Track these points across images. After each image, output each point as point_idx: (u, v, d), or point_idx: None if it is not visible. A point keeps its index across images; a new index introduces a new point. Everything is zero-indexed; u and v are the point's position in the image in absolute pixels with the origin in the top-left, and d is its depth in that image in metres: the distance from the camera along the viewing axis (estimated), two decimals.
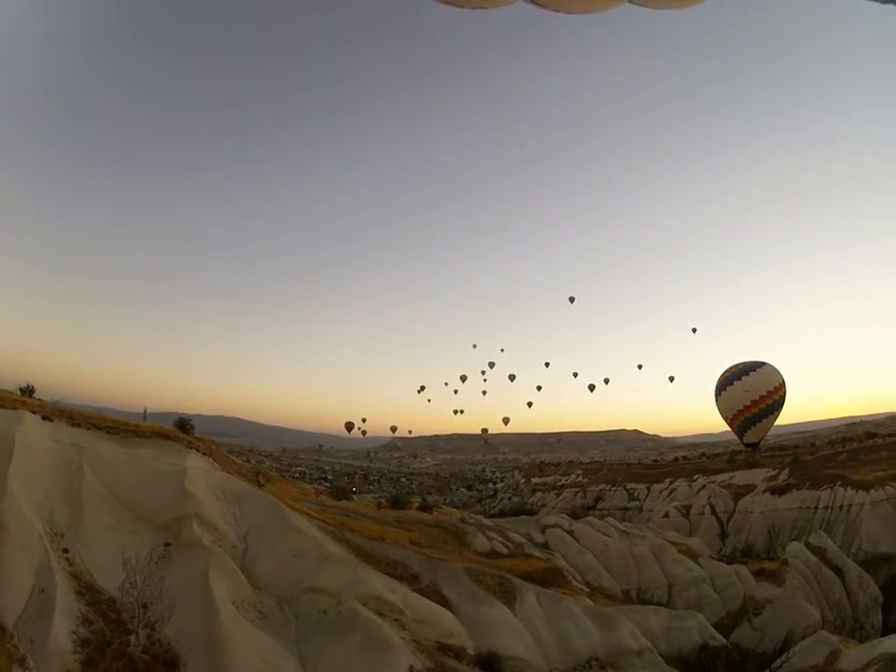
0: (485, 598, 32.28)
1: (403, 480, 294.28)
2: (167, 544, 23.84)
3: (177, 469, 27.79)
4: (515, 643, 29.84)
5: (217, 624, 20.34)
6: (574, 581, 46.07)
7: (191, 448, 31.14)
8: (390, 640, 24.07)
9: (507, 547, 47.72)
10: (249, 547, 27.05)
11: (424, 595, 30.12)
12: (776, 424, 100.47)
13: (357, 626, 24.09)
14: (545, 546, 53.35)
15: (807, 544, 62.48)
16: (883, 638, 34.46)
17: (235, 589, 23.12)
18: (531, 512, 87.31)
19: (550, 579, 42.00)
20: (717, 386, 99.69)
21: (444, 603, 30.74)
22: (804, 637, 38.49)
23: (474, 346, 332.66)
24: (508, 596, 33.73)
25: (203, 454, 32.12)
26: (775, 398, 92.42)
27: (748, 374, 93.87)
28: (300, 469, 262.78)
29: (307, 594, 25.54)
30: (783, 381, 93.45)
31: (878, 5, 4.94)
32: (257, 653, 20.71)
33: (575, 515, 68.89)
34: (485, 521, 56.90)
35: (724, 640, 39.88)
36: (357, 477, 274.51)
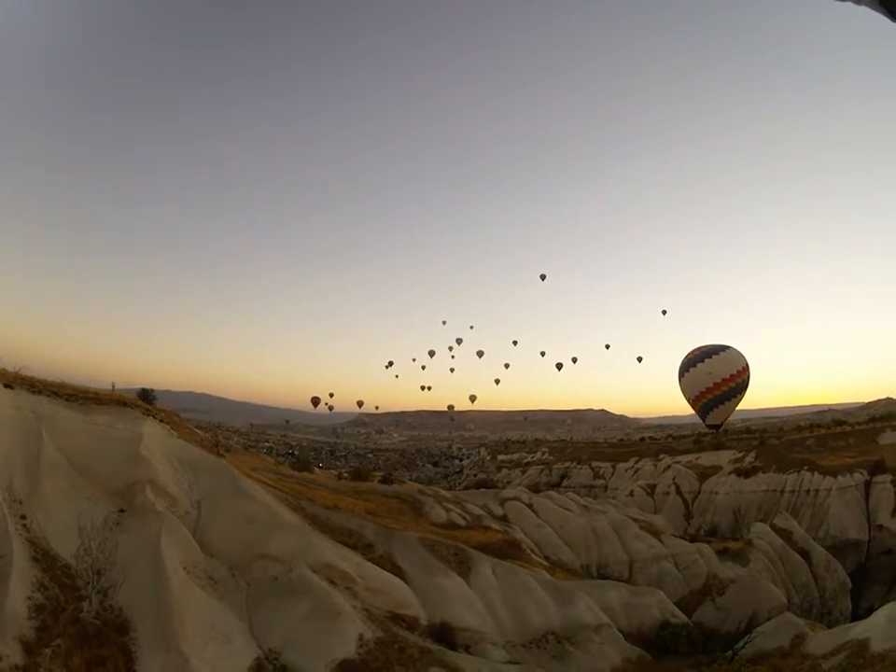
0: (440, 569, 32.55)
1: (370, 456, 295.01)
2: (121, 510, 24.00)
3: (133, 436, 27.77)
4: (469, 615, 30.12)
5: (167, 590, 20.58)
6: (532, 555, 46.48)
7: (148, 416, 31.01)
8: (340, 608, 24.42)
9: (465, 519, 48.12)
10: (202, 513, 27.21)
11: (377, 565, 30.46)
12: (744, 408, 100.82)
13: (308, 593, 24.50)
14: (504, 519, 53.75)
15: (773, 526, 62.99)
16: (852, 624, 33.69)
17: (187, 555, 23.36)
18: (494, 487, 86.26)
19: (507, 551, 42.09)
20: (680, 368, 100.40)
21: (398, 573, 31.01)
22: (768, 619, 38.17)
23: (444, 323, 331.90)
24: (463, 568, 33.93)
25: (161, 422, 31.96)
26: (738, 381, 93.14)
27: (711, 357, 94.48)
28: (267, 444, 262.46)
29: (258, 560, 25.97)
30: (747, 365, 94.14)
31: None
32: (206, 619, 21.02)
33: (538, 492, 67.83)
34: (443, 492, 57.08)
35: (686, 619, 40.07)
36: (323, 452, 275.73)
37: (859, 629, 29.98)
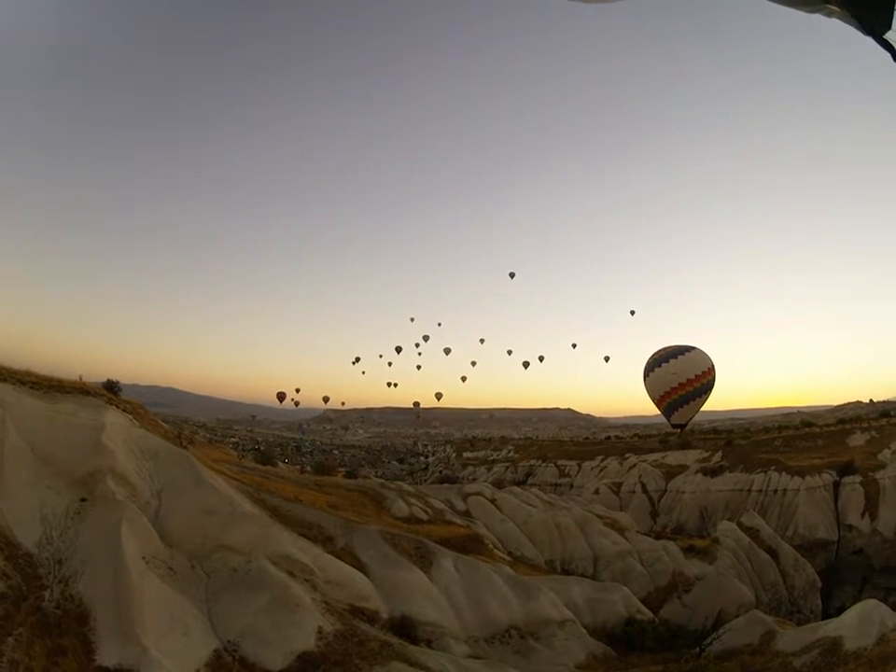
0: (401, 562, 32.64)
1: (335, 452, 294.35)
2: (83, 499, 23.95)
3: (95, 424, 27.62)
4: (431, 609, 30.27)
5: (126, 580, 20.61)
6: (495, 550, 47.09)
7: (111, 404, 30.87)
8: (300, 600, 24.55)
9: (427, 513, 48.29)
10: (163, 503, 27.26)
11: (338, 558, 30.60)
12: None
13: (267, 585, 24.59)
14: (467, 514, 54.25)
15: (739, 524, 63.70)
16: (823, 622, 34.07)
17: (147, 545, 23.36)
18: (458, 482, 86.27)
19: (469, 546, 42.32)
20: (645, 368, 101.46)
21: (359, 566, 31.15)
22: (736, 616, 38.34)
23: (412, 320, 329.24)
24: (424, 561, 34.07)
25: (124, 411, 31.86)
26: (703, 381, 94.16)
27: (676, 357, 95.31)
28: (233, 439, 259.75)
29: (218, 551, 26.01)
30: (712, 366, 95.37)
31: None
32: (165, 610, 21.06)
33: (503, 489, 67.87)
34: (406, 487, 56.95)
35: (652, 615, 40.33)
36: (289, 448, 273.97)
37: (830, 627, 30.24)
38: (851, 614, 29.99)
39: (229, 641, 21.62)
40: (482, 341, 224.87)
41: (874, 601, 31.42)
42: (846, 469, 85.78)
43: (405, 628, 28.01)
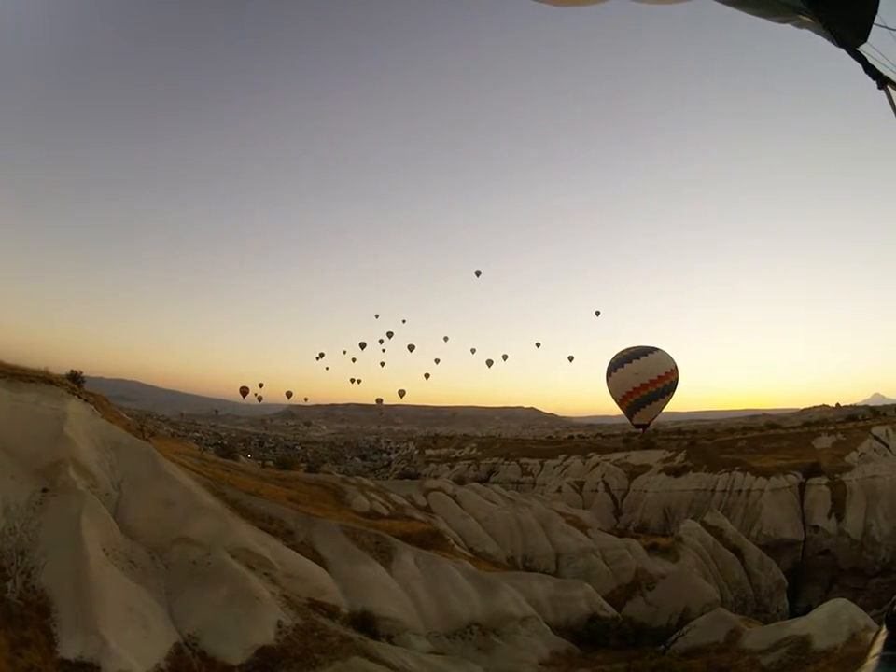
0: (361, 557, 32.63)
1: (298, 448, 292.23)
2: (44, 490, 23.94)
3: (57, 414, 27.48)
4: (391, 604, 30.28)
5: (86, 572, 20.63)
6: (456, 546, 47.40)
7: (74, 394, 30.72)
8: (259, 594, 24.55)
9: (388, 508, 48.58)
10: (123, 494, 27.20)
11: (298, 552, 30.56)
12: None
13: (226, 578, 24.61)
14: (427, 509, 54.49)
15: (703, 523, 64.09)
16: (790, 620, 34.56)
17: (107, 536, 23.35)
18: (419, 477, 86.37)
19: (430, 541, 42.70)
20: (608, 368, 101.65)
21: (319, 560, 31.08)
22: (701, 615, 38.36)
23: (377, 317, 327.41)
24: (384, 556, 34.07)
25: (87, 401, 31.66)
26: (666, 382, 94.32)
27: (639, 358, 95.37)
28: (197, 434, 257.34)
29: (177, 543, 26.01)
30: (676, 367, 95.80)
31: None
32: (124, 602, 21.02)
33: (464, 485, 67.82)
34: (367, 482, 56.93)
35: (615, 612, 40.29)
36: (252, 444, 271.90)
37: (798, 625, 30.48)
38: (820, 613, 30.21)
39: (189, 635, 21.61)
40: (446, 339, 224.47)
41: (843, 600, 31.79)
42: (812, 471, 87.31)
43: (365, 623, 27.88)
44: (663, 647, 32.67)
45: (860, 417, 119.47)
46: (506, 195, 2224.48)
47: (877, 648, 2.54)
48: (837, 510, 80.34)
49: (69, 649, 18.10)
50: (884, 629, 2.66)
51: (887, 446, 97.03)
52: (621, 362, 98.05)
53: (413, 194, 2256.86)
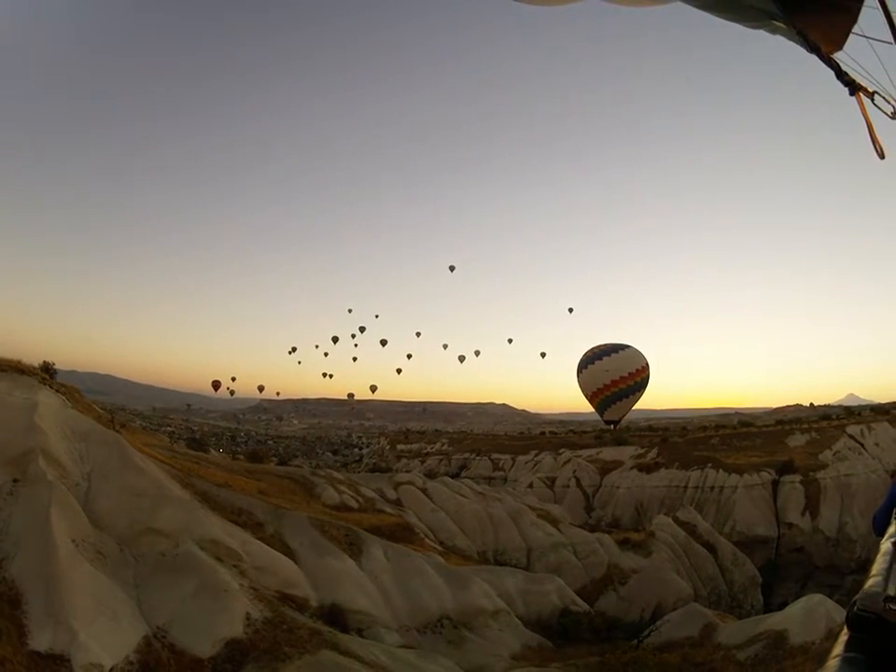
0: (330, 549, 32.83)
1: (270, 442, 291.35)
2: (15, 480, 24.09)
3: (29, 404, 27.80)
4: (361, 597, 30.48)
5: (55, 563, 20.80)
6: (426, 539, 47.74)
7: (45, 384, 31.15)
8: (227, 586, 24.65)
9: (357, 501, 48.85)
10: (92, 485, 27.30)
11: (267, 544, 30.70)
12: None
13: (194, 570, 24.81)
14: (397, 503, 54.92)
15: (675, 519, 64.32)
16: (766, 615, 34.92)
17: (76, 527, 23.46)
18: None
19: (400, 535, 42.94)
20: (579, 365, 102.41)
21: (288, 553, 31.23)
22: (674, 609, 38.61)
23: (349, 311, 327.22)
24: (354, 549, 34.22)
25: (58, 392, 32.04)
26: (636, 379, 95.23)
27: (609, 355, 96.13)
28: (169, 428, 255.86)
29: (146, 535, 26.08)
30: (646, 364, 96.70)
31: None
32: (93, 594, 21.12)
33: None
34: (337, 475, 56.79)
35: (588, 607, 40.39)
36: (224, 438, 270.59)
37: (774, 620, 30.85)
38: (796, 608, 30.59)
39: (158, 627, 21.71)
40: (418, 334, 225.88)
41: (819, 596, 32.14)
42: (785, 469, 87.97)
43: (335, 616, 28.06)
44: (636, 641, 33.11)
45: (834, 416, 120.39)
46: (480, 191, 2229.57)
47: (839, 649, 2.60)
48: (811, 507, 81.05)
49: (39, 640, 18.25)
50: (845, 630, 2.74)
51: (862, 445, 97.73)
52: (591, 359, 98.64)
53: (387, 189, 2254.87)
